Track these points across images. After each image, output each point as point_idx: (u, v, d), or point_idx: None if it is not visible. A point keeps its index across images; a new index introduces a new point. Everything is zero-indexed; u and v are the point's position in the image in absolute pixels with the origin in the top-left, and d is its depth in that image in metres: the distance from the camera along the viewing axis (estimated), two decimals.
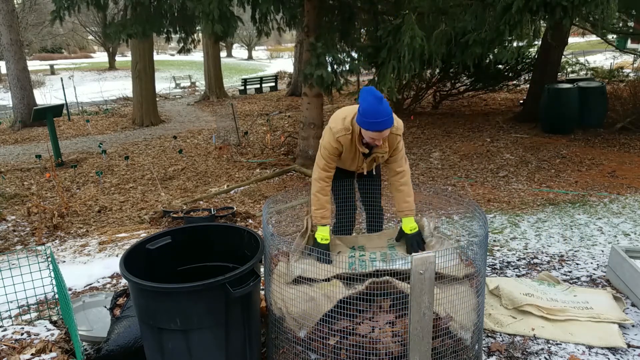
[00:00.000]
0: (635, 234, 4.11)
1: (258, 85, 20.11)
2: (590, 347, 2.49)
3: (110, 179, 7.46)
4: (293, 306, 2.10)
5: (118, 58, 33.99)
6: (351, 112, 2.56)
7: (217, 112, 12.89)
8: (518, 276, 3.35)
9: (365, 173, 2.75)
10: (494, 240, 4.06)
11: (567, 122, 8.45)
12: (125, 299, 2.59)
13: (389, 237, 2.73)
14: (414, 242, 2.51)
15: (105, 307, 2.79)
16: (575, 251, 3.78)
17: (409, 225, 2.53)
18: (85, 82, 25.23)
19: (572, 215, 4.67)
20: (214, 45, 17.79)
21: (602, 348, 2.48)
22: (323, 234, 2.50)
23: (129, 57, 15.31)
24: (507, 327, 2.66)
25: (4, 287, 2.83)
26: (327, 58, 6.51)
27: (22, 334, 2.64)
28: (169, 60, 36.02)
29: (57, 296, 3.00)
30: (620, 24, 10.99)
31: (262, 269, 2.26)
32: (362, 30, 8.96)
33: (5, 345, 2.49)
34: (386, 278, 2.09)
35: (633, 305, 2.87)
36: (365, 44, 7.95)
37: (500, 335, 2.62)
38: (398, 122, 2.53)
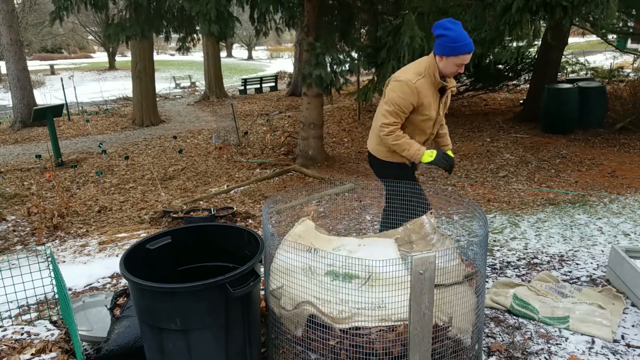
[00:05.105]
0: (635, 234, 4.11)
1: (258, 85, 20.11)
2: (590, 348, 2.49)
3: (110, 179, 7.47)
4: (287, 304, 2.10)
5: (118, 58, 34.03)
6: (410, 68, 2.84)
7: (217, 112, 12.91)
8: (518, 276, 3.35)
9: (441, 114, 2.97)
10: (494, 240, 4.06)
11: (567, 122, 8.45)
12: (125, 299, 2.58)
13: (391, 236, 2.72)
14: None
15: (106, 306, 2.79)
16: (575, 251, 3.79)
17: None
18: (85, 82, 25.25)
19: (572, 215, 4.67)
20: (214, 45, 17.79)
21: (601, 347, 2.48)
22: (430, 152, 2.83)
23: (129, 57, 15.31)
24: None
25: (4, 287, 2.83)
26: (326, 58, 6.51)
27: (22, 334, 2.64)
28: (169, 60, 36.06)
29: (57, 296, 3.00)
30: (620, 24, 11.00)
31: (262, 269, 2.26)
32: (362, 30, 8.95)
33: (5, 345, 2.49)
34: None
35: (633, 305, 2.87)
36: (365, 44, 7.94)
37: (500, 335, 2.62)
38: None
